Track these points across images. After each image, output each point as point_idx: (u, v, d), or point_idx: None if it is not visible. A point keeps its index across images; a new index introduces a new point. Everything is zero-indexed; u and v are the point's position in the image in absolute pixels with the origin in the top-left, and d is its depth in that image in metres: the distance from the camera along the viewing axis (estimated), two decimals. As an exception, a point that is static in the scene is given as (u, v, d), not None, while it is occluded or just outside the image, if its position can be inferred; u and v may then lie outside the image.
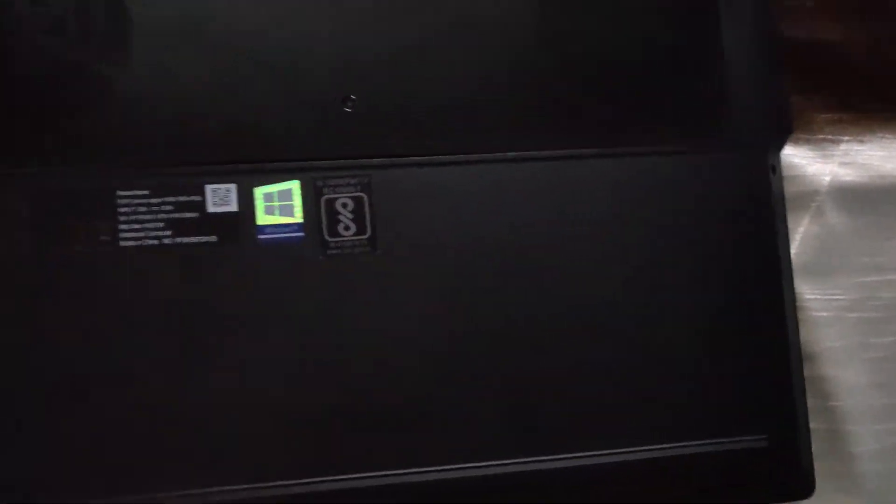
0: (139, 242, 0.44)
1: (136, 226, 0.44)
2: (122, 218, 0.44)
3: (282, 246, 0.45)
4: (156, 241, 0.44)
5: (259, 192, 0.46)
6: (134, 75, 0.45)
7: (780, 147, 0.52)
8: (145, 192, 0.44)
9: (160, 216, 0.44)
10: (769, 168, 0.51)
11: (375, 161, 0.47)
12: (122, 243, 0.44)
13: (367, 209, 0.46)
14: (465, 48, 0.48)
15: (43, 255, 0.43)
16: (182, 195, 0.45)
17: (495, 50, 0.48)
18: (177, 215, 0.45)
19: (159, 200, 0.44)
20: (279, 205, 0.46)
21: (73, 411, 0.43)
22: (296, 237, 0.46)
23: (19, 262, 0.43)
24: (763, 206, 0.51)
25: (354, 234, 0.46)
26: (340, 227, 0.46)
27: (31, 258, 0.43)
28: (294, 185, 0.46)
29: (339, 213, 0.46)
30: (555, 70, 0.49)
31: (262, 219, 0.45)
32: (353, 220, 0.46)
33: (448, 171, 0.47)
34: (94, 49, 0.44)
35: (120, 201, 0.44)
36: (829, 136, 0.56)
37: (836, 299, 0.54)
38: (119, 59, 0.45)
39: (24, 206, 0.43)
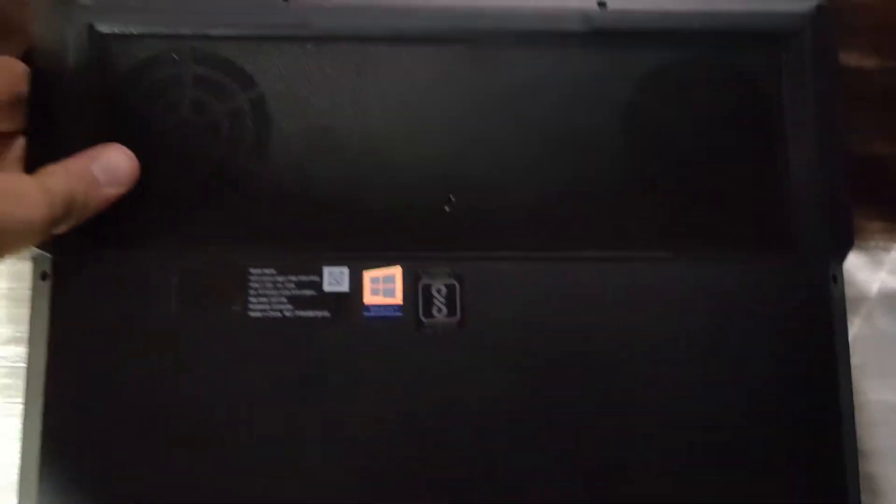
0: (265, 314, 0.52)
1: (264, 299, 0.52)
2: (252, 292, 0.52)
3: (383, 323, 0.53)
4: (279, 314, 0.52)
5: (367, 275, 0.53)
6: (272, 172, 0.54)
7: (842, 258, 0.56)
8: (272, 271, 0.53)
9: (283, 292, 0.53)
10: (831, 277, 0.55)
11: (467, 255, 0.54)
12: (251, 313, 0.52)
13: (457, 296, 0.53)
14: (553, 160, 0.55)
15: (186, 320, 0.52)
16: (303, 275, 0.53)
17: (578, 162, 0.55)
18: (297, 292, 0.53)
19: (283, 278, 0.53)
20: (383, 287, 0.53)
21: (194, 456, 0.51)
22: (395, 316, 0.53)
23: (168, 325, 0.52)
24: (824, 314, 0.55)
25: (446, 316, 0.53)
26: (434, 310, 0.53)
27: (178, 322, 0.52)
28: (397, 272, 0.54)
29: (433, 298, 0.53)
30: (633, 180, 0.55)
31: (368, 298, 0.53)
32: (445, 304, 0.53)
33: (529, 266, 0.53)
34: (242, 149, 0.54)
35: (251, 278, 0.53)
36: (880, 245, 0.60)
37: (888, 400, 0.57)
38: (261, 158, 0.54)
39: (176, 279, 0.52)
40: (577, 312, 0.53)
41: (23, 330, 0.53)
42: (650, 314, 0.54)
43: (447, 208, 0.54)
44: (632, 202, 0.55)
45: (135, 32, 0.54)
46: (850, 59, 0.61)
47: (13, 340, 0.54)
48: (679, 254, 0.55)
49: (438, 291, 0.54)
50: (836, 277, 0.55)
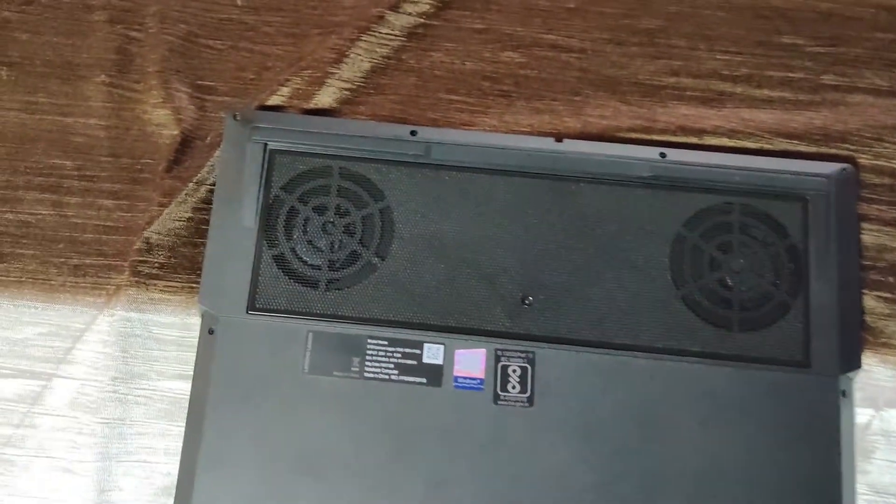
0: (376, 375, 0.66)
1: (376, 364, 0.66)
2: (368, 357, 0.67)
3: (468, 393, 0.66)
4: (387, 377, 0.66)
5: (458, 353, 0.67)
6: (391, 266, 0.68)
7: (851, 376, 0.67)
8: (385, 343, 0.67)
9: (392, 360, 0.66)
10: (839, 392, 0.66)
11: (539, 344, 0.67)
12: (366, 374, 0.66)
13: (529, 376, 0.66)
14: (612, 274, 0.68)
15: (315, 376, 0.66)
16: (408, 348, 0.67)
17: (632, 278, 0.68)
18: (402, 361, 0.67)
19: (393, 349, 0.67)
20: (470, 364, 0.67)
21: (311, 489, 0.64)
22: (478, 388, 0.66)
23: (300, 379, 0.66)
24: (832, 423, 0.66)
25: (519, 392, 0.66)
26: (509, 386, 0.66)
27: (309, 377, 0.66)
28: (482, 352, 0.67)
29: (509, 376, 0.66)
30: (675, 298, 0.68)
31: (457, 371, 0.67)
32: (518, 382, 0.66)
33: (589, 358, 0.66)
34: (370, 246, 0.69)
35: (369, 346, 0.67)
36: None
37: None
38: (384, 254, 0.69)
39: (310, 341, 0.66)
40: (627, 400, 0.66)
41: (187, 370, 0.68)
42: (683, 407, 0.66)
43: (525, 305, 0.68)
44: (674, 314, 0.68)
45: (296, 150, 0.71)
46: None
47: (179, 377, 0.69)
48: (709, 361, 0.67)
49: (514, 371, 0.67)
50: (846, 392, 0.67)
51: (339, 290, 0.68)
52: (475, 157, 0.71)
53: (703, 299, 0.68)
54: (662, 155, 0.71)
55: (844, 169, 0.71)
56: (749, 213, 0.70)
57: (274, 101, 0.74)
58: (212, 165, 0.72)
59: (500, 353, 0.67)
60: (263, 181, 0.70)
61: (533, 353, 0.67)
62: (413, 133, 0.71)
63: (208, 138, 0.74)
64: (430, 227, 0.69)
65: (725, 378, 0.66)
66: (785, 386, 0.66)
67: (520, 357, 0.67)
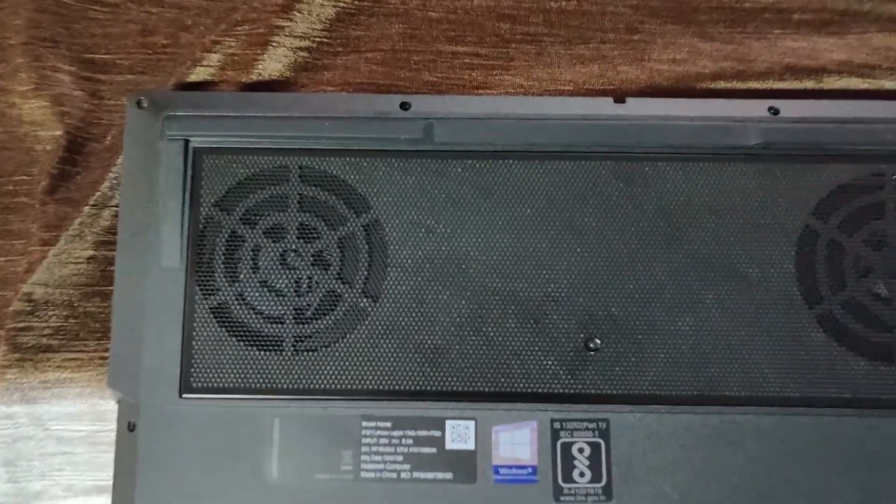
0: (378, 474, 0.45)
1: (377, 457, 0.45)
2: (365, 449, 0.45)
3: (515, 489, 0.45)
4: (394, 475, 0.45)
5: (496, 431, 0.45)
6: (387, 309, 0.46)
7: None
8: (387, 425, 0.45)
9: (400, 449, 0.45)
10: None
11: (615, 407, 0.45)
12: (363, 474, 0.45)
13: (604, 456, 0.45)
14: (714, 295, 0.47)
15: (289, 483, 0.44)
16: (422, 429, 0.45)
17: (741, 297, 0.47)
18: (416, 449, 0.45)
19: (400, 433, 0.45)
20: (515, 445, 0.45)
21: None
22: (529, 479, 0.45)
23: (265, 487, 0.44)
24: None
25: (589, 482, 0.45)
26: (575, 473, 0.45)
27: (276, 484, 0.44)
28: (531, 427, 0.46)
29: (574, 458, 0.45)
30: (806, 323, 0.46)
31: (498, 458, 0.45)
32: (588, 466, 0.45)
33: (689, 420, 0.45)
34: (354, 283, 0.47)
35: (364, 432, 0.45)
36: None
37: None
38: (375, 293, 0.47)
39: (276, 431, 0.45)
40: (750, 480, 0.45)
41: (105, 479, 0.47)
42: (835, 480, 0.45)
43: (590, 350, 0.46)
44: (808, 346, 0.46)
45: (235, 147, 0.48)
46: None
47: (95, 490, 0.48)
48: (865, 410, 0.46)
49: (580, 451, 0.45)
50: None
51: (313, 350, 0.46)
52: (498, 137, 0.48)
53: (849, 320, 0.47)
54: (773, 111, 0.49)
55: None
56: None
57: (198, 75, 0.51)
58: (116, 178, 0.49)
59: (557, 425, 0.46)
60: (188, 196, 0.47)
61: (606, 421, 0.45)
62: (404, 106, 0.49)
63: (108, 138, 0.51)
64: (439, 246, 0.47)
65: (890, 435, 0.45)
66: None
67: (588, 429, 0.45)
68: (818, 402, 0.46)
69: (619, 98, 0.49)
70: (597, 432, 0.46)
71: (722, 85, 0.52)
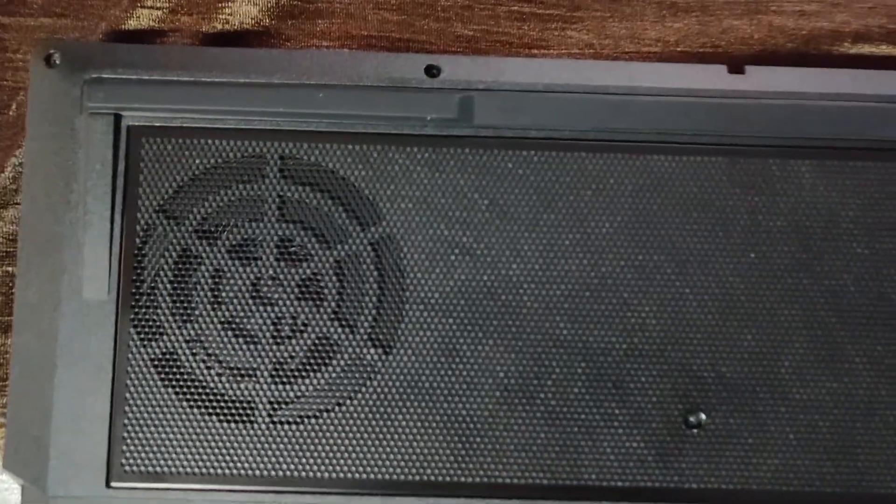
0: None
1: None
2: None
3: None
4: None
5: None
6: (402, 362, 0.33)
7: None
8: (396, 530, 0.32)
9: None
10: None
11: (724, 508, 0.32)
12: None
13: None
14: (856, 342, 0.33)
15: None
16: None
17: (893, 368, 0.33)
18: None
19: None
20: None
21: None
22: None
23: None
24: None
25: None
26: None
27: None
28: (606, 538, 0.32)
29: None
30: None
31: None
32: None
33: None
34: (357, 328, 0.33)
35: (364, 538, 0.32)
36: None
37: None
38: (388, 339, 0.33)
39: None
40: None
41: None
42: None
43: (691, 427, 0.33)
44: None
45: (187, 125, 0.34)
46: None
47: None
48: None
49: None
50: None
51: (297, 422, 0.33)
52: (562, 118, 0.34)
53: None
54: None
55: None
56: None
57: (139, 20, 0.37)
58: (18, 166, 0.35)
59: (645, 536, 0.32)
60: (120, 197, 0.33)
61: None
62: (431, 71, 0.34)
63: (12, 108, 0.37)
64: (478, 274, 0.33)
65: None
66: None
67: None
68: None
69: (735, 67, 0.35)
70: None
71: (866, 50, 0.37)
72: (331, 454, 0.32)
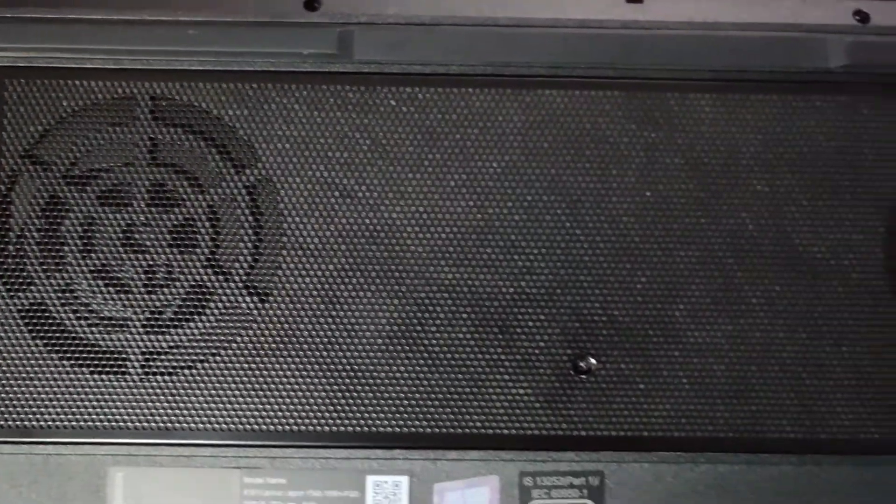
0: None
1: (266, 531, 0.31)
2: (247, 517, 0.31)
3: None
4: (290, 556, 0.31)
5: (442, 490, 0.31)
6: (279, 310, 0.31)
7: None
8: (281, 482, 0.31)
9: (298, 516, 0.31)
10: None
11: (613, 454, 0.31)
12: (242, 557, 0.31)
13: (594, 520, 0.31)
14: (778, 281, 0.32)
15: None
16: (333, 489, 0.31)
17: (791, 310, 0.32)
18: (322, 516, 0.31)
19: (300, 494, 0.31)
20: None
21: None
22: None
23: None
24: None
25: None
26: (555, 549, 0.31)
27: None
28: (490, 485, 0.31)
29: (551, 526, 0.31)
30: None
31: (443, 527, 0.31)
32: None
33: (719, 473, 0.31)
34: (230, 275, 0.32)
35: (246, 492, 0.31)
36: None
37: None
38: (264, 285, 0.32)
39: (117, 486, 0.31)
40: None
41: None
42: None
43: (580, 373, 0.32)
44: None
45: (48, 66, 0.32)
46: None
47: None
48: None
49: (560, 517, 0.31)
50: None
51: (170, 373, 0.32)
52: (450, 52, 0.32)
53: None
54: (860, 16, 0.33)
55: None
56: None
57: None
58: None
59: (529, 481, 0.32)
60: (-21, 141, 0.32)
61: (600, 475, 0.32)
62: (313, 5, 0.32)
63: None
64: (359, 217, 0.32)
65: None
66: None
67: (573, 486, 0.32)
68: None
69: (633, -6, 0.33)
70: (586, 491, 0.31)
71: None
72: (206, 405, 0.31)
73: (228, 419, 0.31)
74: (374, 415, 0.32)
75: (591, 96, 0.32)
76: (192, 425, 0.31)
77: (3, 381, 0.31)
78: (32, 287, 0.32)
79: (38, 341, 0.31)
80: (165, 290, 0.32)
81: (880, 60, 0.32)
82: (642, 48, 0.32)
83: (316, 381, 0.32)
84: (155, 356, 0.32)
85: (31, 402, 0.31)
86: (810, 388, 0.32)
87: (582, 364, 0.32)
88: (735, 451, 0.32)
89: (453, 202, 0.32)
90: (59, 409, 0.31)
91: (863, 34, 0.33)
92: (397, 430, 0.32)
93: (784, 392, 0.32)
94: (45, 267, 0.32)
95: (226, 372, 0.31)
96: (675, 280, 0.32)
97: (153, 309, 0.32)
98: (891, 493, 0.32)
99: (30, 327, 0.31)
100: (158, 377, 0.31)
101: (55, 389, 0.31)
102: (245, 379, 0.31)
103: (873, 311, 0.32)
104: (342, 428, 0.32)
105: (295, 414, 0.31)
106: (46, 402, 0.31)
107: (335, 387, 0.32)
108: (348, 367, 0.32)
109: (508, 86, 0.32)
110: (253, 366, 0.32)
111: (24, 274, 0.32)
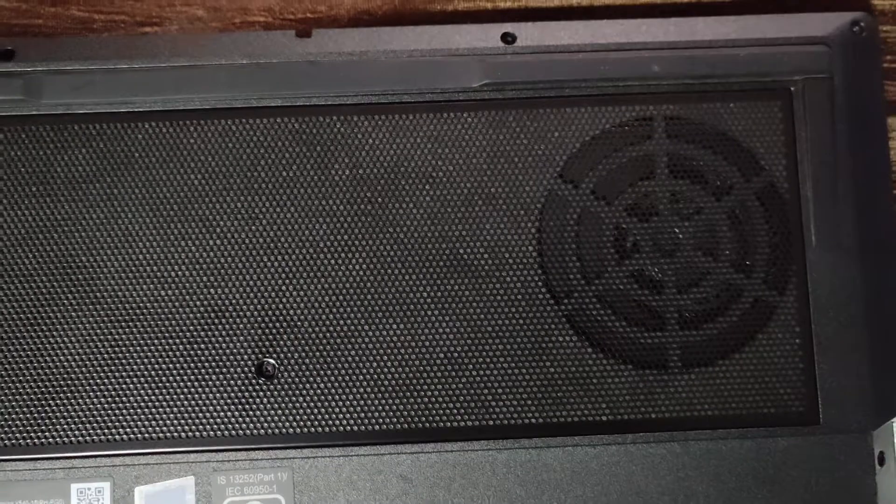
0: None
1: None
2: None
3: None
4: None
5: (142, 492, 0.34)
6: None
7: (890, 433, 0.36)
8: (-9, 494, 0.34)
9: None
10: (874, 458, 0.35)
11: (296, 451, 0.34)
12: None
13: (280, 512, 0.34)
14: (436, 282, 0.35)
15: None
16: (39, 499, 0.34)
17: (456, 309, 0.35)
18: (28, 526, 0.34)
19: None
20: (169, 506, 0.34)
21: None
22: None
23: None
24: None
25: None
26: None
27: None
28: (186, 484, 0.34)
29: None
30: (575, 314, 0.35)
31: (146, 528, 0.34)
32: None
33: (398, 461, 0.34)
34: None
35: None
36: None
37: None
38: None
39: None
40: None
41: None
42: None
43: (263, 375, 0.35)
44: (557, 355, 0.35)
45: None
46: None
47: None
48: (632, 435, 0.35)
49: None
50: (884, 457, 0.35)
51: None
52: (121, 89, 0.36)
53: (608, 316, 0.36)
54: (509, 38, 0.36)
55: (858, 24, 0.37)
56: (684, 134, 0.36)
57: None
58: None
59: (223, 479, 0.34)
60: None
61: (289, 469, 0.34)
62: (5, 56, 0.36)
63: None
64: (45, 241, 0.35)
65: (666, 461, 0.35)
66: (776, 460, 0.35)
67: (263, 482, 0.34)
68: (569, 428, 0.35)
69: (303, 31, 0.36)
70: (275, 486, 0.34)
71: (430, 6, 0.39)
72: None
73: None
74: (75, 424, 0.34)
75: (259, 125, 0.35)
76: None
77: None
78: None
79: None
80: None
81: (520, 77, 0.36)
82: (307, 78, 0.36)
83: (12, 388, 0.34)
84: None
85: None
86: (473, 376, 0.35)
87: (266, 368, 0.35)
88: (412, 442, 0.35)
89: (138, 223, 0.35)
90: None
91: (505, 54, 0.36)
92: (98, 438, 0.34)
93: (451, 384, 0.35)
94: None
95: None
96: (351, 288, 0.35)
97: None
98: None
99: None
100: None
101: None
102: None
103: (527, 306, 0.35)
104: (43, 439, 0.34)
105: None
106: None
107: (34, 397, 0.34)
108: (46, 381, 0.34)
109: (187, 118, 0.35)
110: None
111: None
